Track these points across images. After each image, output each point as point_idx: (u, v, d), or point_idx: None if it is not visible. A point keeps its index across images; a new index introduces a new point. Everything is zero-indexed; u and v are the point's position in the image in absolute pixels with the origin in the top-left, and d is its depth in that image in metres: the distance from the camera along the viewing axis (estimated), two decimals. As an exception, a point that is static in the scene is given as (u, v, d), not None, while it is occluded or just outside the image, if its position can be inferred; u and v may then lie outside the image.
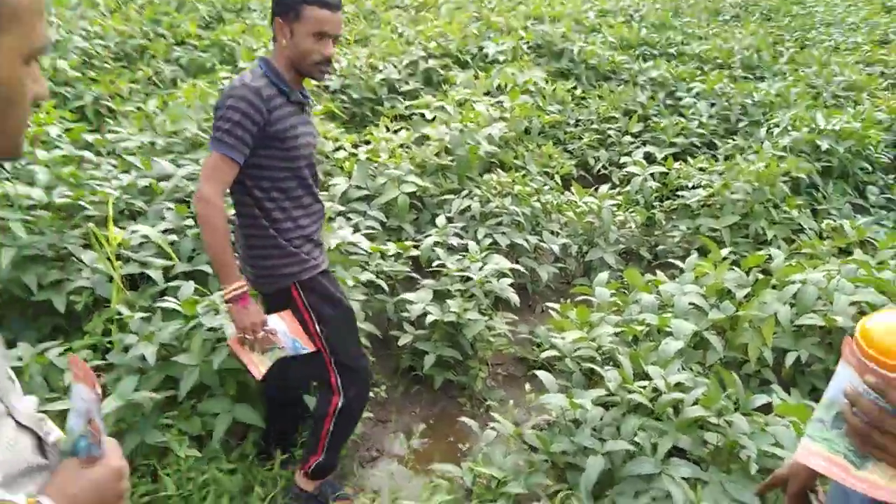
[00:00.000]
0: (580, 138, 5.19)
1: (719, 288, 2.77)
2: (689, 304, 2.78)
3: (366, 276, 2.91)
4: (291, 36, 1.85)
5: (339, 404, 2.10)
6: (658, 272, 3.27)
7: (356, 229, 3.23)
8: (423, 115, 4.95)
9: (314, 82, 4.04)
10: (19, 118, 0.68)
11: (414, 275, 3.31)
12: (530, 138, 5.00)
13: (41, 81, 0.70)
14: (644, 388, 2.18)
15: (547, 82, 5.80)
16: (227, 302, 1.84)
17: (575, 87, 5.90)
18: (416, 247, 3.34)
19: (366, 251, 2.99)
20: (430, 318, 2.75)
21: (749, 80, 6.50)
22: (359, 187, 3.71)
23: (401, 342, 2.87)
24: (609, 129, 5.24)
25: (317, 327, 2.03)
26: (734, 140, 5.08)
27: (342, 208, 3.48)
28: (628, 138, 5.13)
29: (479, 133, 4.32)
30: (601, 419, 2.12)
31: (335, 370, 2.10)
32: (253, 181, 1.91)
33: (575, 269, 4.00)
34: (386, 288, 3.01)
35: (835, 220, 4.06)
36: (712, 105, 5.56)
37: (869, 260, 3.22)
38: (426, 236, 3.49)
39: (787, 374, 2.72)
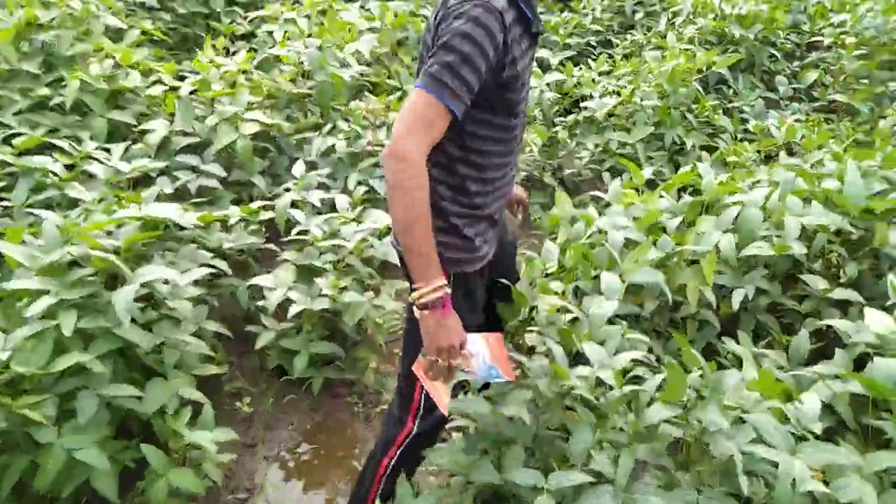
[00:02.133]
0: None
1: (654, 220, 2.30)
2: (625, 239, 2.30)
3: (200, 258, 2.17)
4: None
5: (410, 434, 1.70)
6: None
7: (179, 193, 2.44)
8: (270, 33, 4.05)
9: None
10: None
11: (271, 246, 2.60)
12: (407, 52, 4.25)
13: None
14: (585, 377, 1.69)
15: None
16: (421, 308, 1.39)
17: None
18: (268, 207, 2.61)
19: (193, 225, 2.23)
20: (294, 309, 2.09)
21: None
22: (184, 133, 2.87)
23: (259, 343, 2.21)
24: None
25: None
26: (632, 35, 4.60)
27: (162, 164, 2.65)
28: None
29: (344, 50, 3.53)
30: (534, 436, 1.61)
31: (422, 394, 1.66)
32: (456, 136, 1.48)
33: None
34: (228, 271, 2.29)
35: (749, 119, 3.72)
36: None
37: (802, 165, 2.88)
38: (286, 190, 2.76)
39: (725, 311, 2.34)
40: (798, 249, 2.14)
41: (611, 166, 3.34)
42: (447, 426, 1.88)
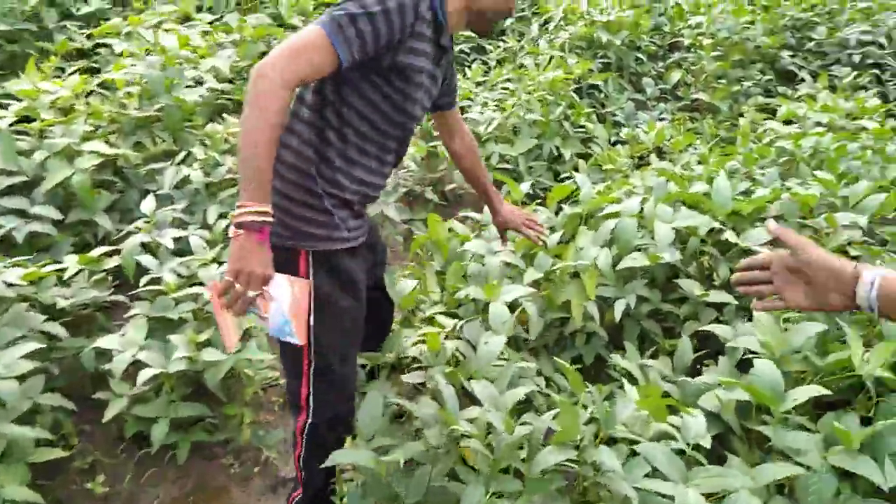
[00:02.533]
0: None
1: (530, 242, 2.25)
2: (502, 262, 2.24)
3: (32, 322, 1.87)
4: None
5: (307, 423, 1.69)
6: (455, 223, 2.68)
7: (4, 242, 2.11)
8: (112, 49, 3.68)
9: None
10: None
11: (120, 298, 2.31)
12: (270, 65, 4.00)
13: None
14: (474, 420, 1.59)
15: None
16: (237, 226, 1.35)
17: (315, -7, 4.93)
18: (114, 252, 2.32)
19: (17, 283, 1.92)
20: (146, 374, 1.84)
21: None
22: (7, 172, 2.50)
23: (108, 414, 1.94)
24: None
25: (311, 316, 1.58)
26: (504, 42, 4.62)
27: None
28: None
29: (200, 66, 3.24)
30: (426, 491, 1.49)
31: (310, 380, 1.65)
32: (338, 99, 1.52)
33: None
34: (63, 334, 2.00)
35: (622, 123, 3.83)
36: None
37: (672, 168, 2.97)
38: (135, 231, 2.47)
39: (610, 320, 2.34)
40: (670, 257, 2.17)
41: (494, 181, 3.30)
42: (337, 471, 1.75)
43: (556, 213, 2.64)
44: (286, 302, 1.45)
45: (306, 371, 1.63)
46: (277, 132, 1.36)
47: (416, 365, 2.20)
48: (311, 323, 1.57)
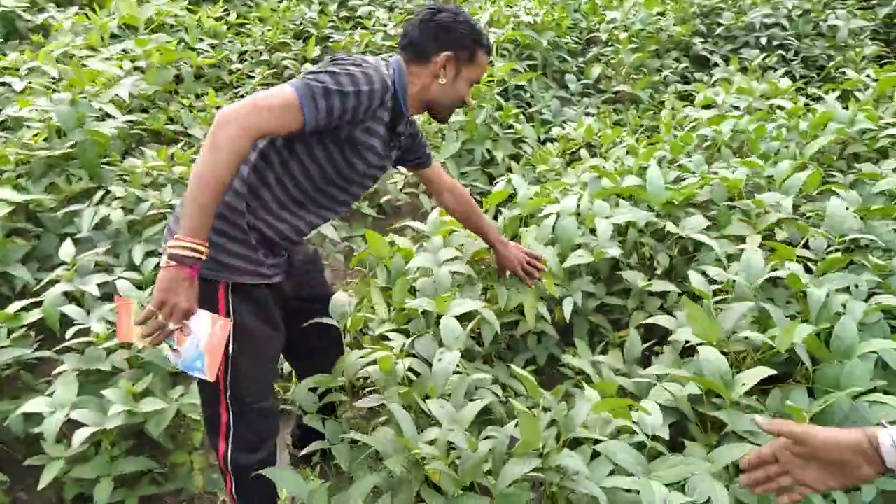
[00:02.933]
0: (251, 76, 4.22)
1: (476, 248, 2.26)
2: (452, 272, 2.22)
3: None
4: (455, 77, 1.72)
5: (228, 453, 1.71)
6: (396, 236, 2.65)
7: None
8: (10, 87, 3.47)
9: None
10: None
11: (46, 354, 2.17)
12: (185, 89, 3.88)
13: None
14: (433, 442, 1.57)
15: (190, 11, 4.60)
16: (169, 258, 1.39)
17: (227, 13, 4.80)
18: (34, 305, 2.18)
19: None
20: (81, 434, 1.73)
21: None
22: None
23: (44, 480, 1.82)
24: (284, 58, 4.36)
25: (230, 346, 1.62)
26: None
27: None
28: (309, 66, 4.31)
29: (101, 97, 3.10)
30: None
31: (228, 409, 1.69)
32: (286, 149, 1.60)
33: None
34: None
35: (549, 121, 3.89)
36: (390, 10, 5.01)
37: (602, 163, 3.03)
38: (55, 281, 2.32)
39: (560, 319, 2.36)
40: (613, 252, 2.21)
41: (427, 189, 3.29)
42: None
43: (496, 217, 2.65)
44: (203, 338, 1.49)
45: (224, 401, 1.68)
46: (229, 177, 1.41)
47: (369, 388, 2.16)
48: (230, 352, 1.61)
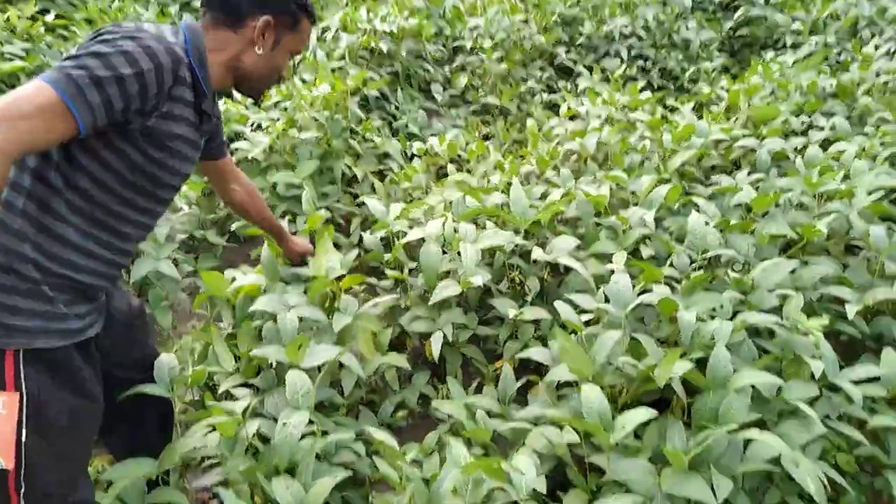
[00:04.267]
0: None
1: (323, 286, 2.05)
2: (298, 318, 1.99)
3: None
4: (274, 46, 1.46)
5: None
6: (243, 271, 2.37)
7: None
8: None
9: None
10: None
11: None
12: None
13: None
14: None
15: (-7, 9, 3.99)
16: None
17: (43, 13, 4.24)
18: None
19: None
20: None
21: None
22: None
23: None
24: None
25: (23, 430, 1.27)
26: (282, 55, 4.31)
27: None
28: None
29: None
30: None
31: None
32: (68, 164, 1.28)
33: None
34: None
35: (416, 134, 3.74)
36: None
37: (469, 179, 2.92)
38: None
39: (430, 354, 2.21)
40: (480, 280, 2.08)
41: (284, 211, 3.02)
42: None
43: (358, 244, 2.45)
44: None
45: (14, 493, 1.33)
46: None
47: (209, 462, 1.88)
48: (22, 438, 1.28)
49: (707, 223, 2.25)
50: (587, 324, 1.99)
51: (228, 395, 2.04)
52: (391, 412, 2.23)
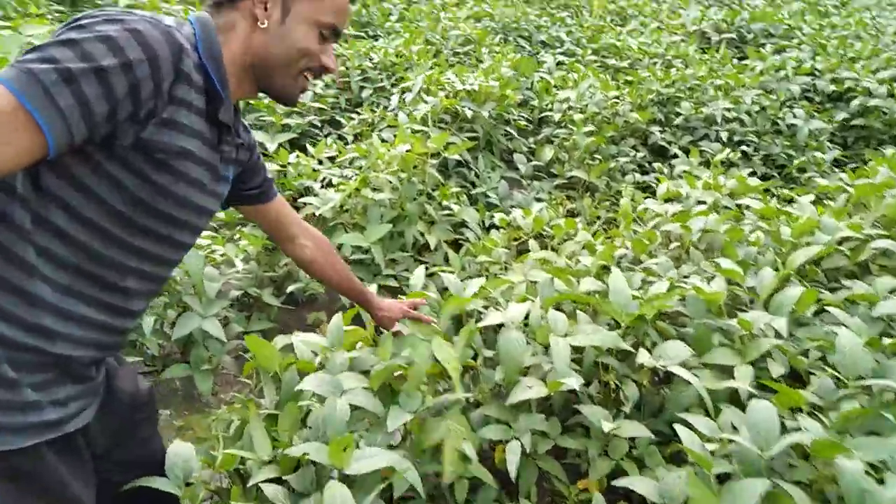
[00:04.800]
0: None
1: (390, 373, 1.74)
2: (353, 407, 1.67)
3: None
4: (284, 16, 1.10)
5: None
6: (299, 338, 2.10)
7: None
8: None
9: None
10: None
11: None
12: None
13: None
14: None
15: None
16: None
17: None
18: None
19: None
20: None
21: (363, 38, 5.79)
22: None
23: None
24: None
25: None
26: (359, 114, 4.21)
27: None
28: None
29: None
30: None
31: None
32: (40, 199, 0.98)
33: (161, 351, 2.56)
34: None
35: (496, 204, 3.48)
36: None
37: (554, 258, 2.59)
38: None
39: (501, 461, 1.84)
40: (574, 384, 1.72)
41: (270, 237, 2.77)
42: None
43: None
44: None
45: None
46: None
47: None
48: None
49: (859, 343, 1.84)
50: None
51: (258, 491, 1.73)
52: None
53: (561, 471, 1.99)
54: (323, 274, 1.67)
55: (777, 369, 1.96)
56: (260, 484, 1.66)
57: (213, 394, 2.48)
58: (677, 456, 2.14)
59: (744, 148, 4.46)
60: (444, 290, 2.28)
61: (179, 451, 1.37)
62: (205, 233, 2.54)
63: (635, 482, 1.61)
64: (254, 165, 1.38)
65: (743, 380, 1.86)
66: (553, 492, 2.05)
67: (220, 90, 1.08)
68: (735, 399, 2.13)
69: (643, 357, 1.80)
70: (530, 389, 1.77)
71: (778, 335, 2.04)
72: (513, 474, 1.76)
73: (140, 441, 1.30)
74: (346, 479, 1.58)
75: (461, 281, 2.45)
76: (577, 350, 2.12)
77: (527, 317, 2.01)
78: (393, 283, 2.72)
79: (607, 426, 1.79)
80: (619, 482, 1.65)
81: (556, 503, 2.09)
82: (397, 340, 1.83)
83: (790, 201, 3.57)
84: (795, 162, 4.39)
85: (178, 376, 2.36)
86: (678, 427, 1.56)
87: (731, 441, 1.55)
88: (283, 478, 1.70)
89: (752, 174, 4.40)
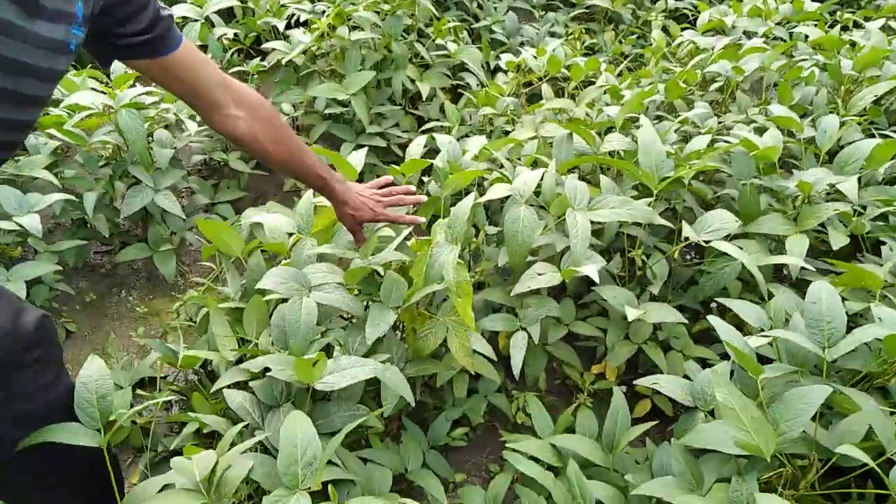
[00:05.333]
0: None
1: (362, 272, 1.46)
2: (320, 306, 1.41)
3: None
4: None
5: None
6: (271, 211, 1.83)
7: None
8: None
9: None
10: None
11: None
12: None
13: None
14: None
15: None
16: None
17: None
18: None
19: None
20: None
21: None
22: None
23: None
24: None
25: None
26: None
27: None
28: None
29: None
30: None
31: None
32: None
33: (116, 229, 2.26)
34: None
35: (503, 41, 2.99)
36: None
37: (571, 108, 2.20)
38: None
39: (505, 347, 1.63)
40: (593, 272, 1.41)
41: (324, 132, 2.38)
42: None
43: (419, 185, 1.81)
44: None
45: None
46: None
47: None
48: None
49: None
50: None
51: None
52: (448, 430, 1.66)
53: (574, 356, 1.77)
54: (264, 154, 1.29)
55: (839, 239, 1.64)
56: (224, 391, 1.44)
57: (180, 275, 2.23)
58: (706, 335, 1.91)
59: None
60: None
61: (91, 375, 1.09)
62: (149, 88, 2.14)
63: (663, 383, 1.37)
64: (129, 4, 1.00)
65: (797, 253, 1.56)
66: (564, 376, 1.85)
67: None
68: (778, 277, 1.85)
69: (687, 231, 1.48)
70: (540, 277, 1.48)
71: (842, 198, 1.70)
72: (516, 370, 1.53)
73: (32, 390, 1.02)
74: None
75: (458, 140, 2.09)
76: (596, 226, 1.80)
77: (539, 184, 1.66)
78: (379, 141, 2.34)
79: (632, 313, 1.52)
80: (643, 381, 1.41)
81: (568, 390, 1.89)
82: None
83: (850, 28, 3.04)
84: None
85: (137, 258, 2.09)
86: (713, 319, 1.28)
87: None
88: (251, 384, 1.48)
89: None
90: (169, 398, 1.73)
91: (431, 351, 1.48)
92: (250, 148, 1.28)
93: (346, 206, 1.42)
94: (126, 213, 1.97)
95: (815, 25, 2.90)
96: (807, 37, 2.67)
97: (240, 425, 1.30)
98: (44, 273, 1.81)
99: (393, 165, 1.89)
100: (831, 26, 3.13)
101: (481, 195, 1.67)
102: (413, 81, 2.44)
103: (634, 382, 1.47)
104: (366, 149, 1.82)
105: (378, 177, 1.59)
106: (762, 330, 1.36)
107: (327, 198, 1.44)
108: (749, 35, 2.88)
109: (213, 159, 2.46)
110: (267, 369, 1.36)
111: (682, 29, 3.08)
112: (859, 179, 1.75)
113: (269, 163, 1.34)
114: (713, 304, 1.78)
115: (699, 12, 3.08)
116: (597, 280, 1.40)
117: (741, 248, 1.58)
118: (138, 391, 1.75)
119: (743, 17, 2.87)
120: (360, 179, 1.71)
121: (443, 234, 1.46)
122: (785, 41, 2.68)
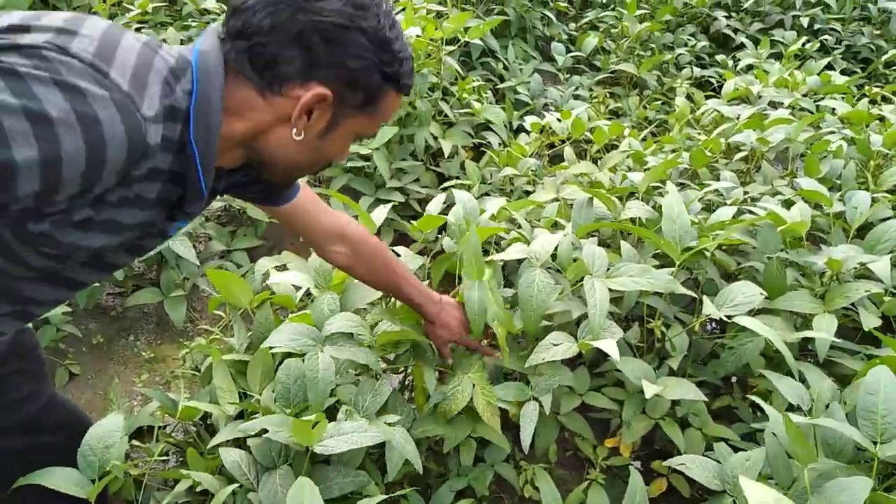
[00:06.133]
0: None
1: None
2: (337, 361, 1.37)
3: None
4: (326, 131, 0.89)
5: None
6: (274, 259, 1.81)
7: None
8: None
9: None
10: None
11: None
12: None
13: None
14: None
15: None
16: None
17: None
18: None
19: None
20: None
21: None
22: None
23: None
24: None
25: None
26: None
27: None
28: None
29: None
30: None
31: None
32: None
33: (131, 271, 2.26)
34: None
35: (527, 102, 3.01)
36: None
37: (593, 171, 2.18)
38: None
39: (515, 416, 1.56)
40: (612, 349, 1.36)
41: (344, 185, 2.39)
42: None
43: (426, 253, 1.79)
44: None
45: None
46: None
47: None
48: None
49: None
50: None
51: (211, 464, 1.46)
52: (452, 501, 1.58)
53: (587, 428, 1.70)
54: (361, 279, 1.43)
55: (871, 320, 1.58)
56: (220, 448, 1.39)
57: (190, 321, 2.21)
58: (727, 412, 1.83)
59: (826, 37, 3.83)
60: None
61: (106, 426, 1.06)
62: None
63: (688, 464, 1.30)
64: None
65: (825, 332, 1.50)
66: (576, 447, 1.77)
67: (200, 179, 0.82)
68: (803, 354, 1.78)
69: (708, 308, 1.43)
70: (556, 347, 1.43)
71: (872, 277, 1.64)
72: (525, 443, 1.46)
73: (6, 402, 1.01)
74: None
75: (478, 198, 2.08)
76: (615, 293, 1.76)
77: (556, 248, 1.64)
78: (399, 196, 2.34)
79: (650, 389, 1.45)
80: (670, 462, 1.34)
81: (580, 462, 1.81)
82: None
83: (879, 102, 3.03)
84: (885, 56, 3.76)
85: (148, 302, 2.08)
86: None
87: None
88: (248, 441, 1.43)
89: (828, 68, 3.81)
90: (166, 450, 1.69)
91: (457, 411, 1.44)
92: (352, 274, 1.39)
93: (435, 325, 1.47)
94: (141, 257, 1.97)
95: (843, 98, 2.90)
96: (833, 110, 2.66)
97: (233, 486, 1.26)
98: (52, 314, 1.80)
99: (411, 222, 1.88)
100: (858, 100, 3.13)
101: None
102: (436, 138, 2.46)
103: (664, 463, 1.40)
104: (389, 205, 1.81)
105: (395, 231, 1.60)
106: (798, 408, 1.29)
107: (420, 313, 1.49)
108: (775, 105, 2.88)
109: (233, 206, 2.47)
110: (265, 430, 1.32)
111: (707, 97, 3.08)
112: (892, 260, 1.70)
113: (370, 286, 1.46)
114: (733, 379, 1.71)
115: (724, 80, 3.10)
116: (616, 357, 1.35)
117: (766, 325, 1.52)
118: (135, 441, 1.71)
119: (769, 87, 2.87)
120: (378, 234, 1.70)
121: (467, 277, 1.45)
122: (812, 113, 2.67)
